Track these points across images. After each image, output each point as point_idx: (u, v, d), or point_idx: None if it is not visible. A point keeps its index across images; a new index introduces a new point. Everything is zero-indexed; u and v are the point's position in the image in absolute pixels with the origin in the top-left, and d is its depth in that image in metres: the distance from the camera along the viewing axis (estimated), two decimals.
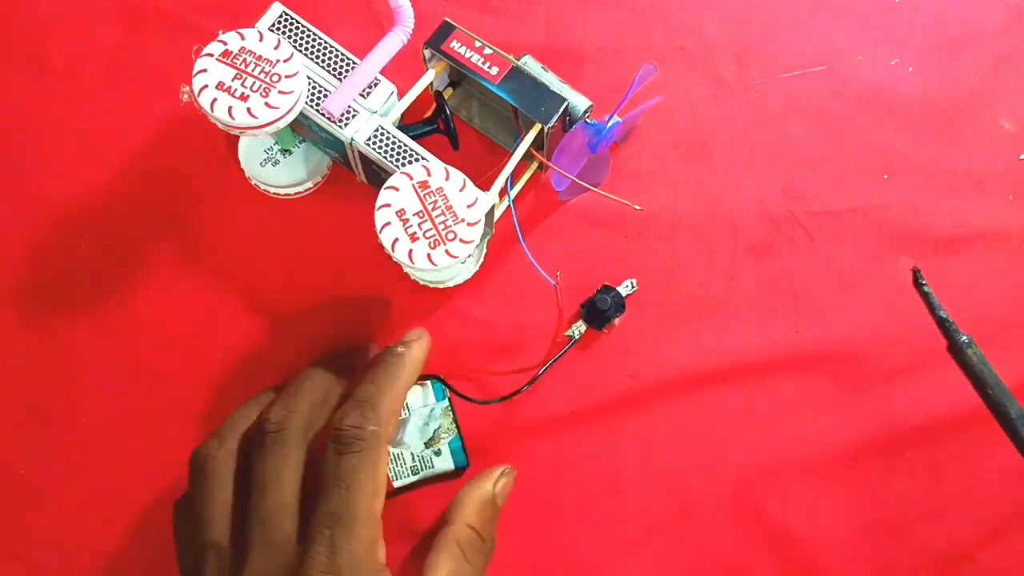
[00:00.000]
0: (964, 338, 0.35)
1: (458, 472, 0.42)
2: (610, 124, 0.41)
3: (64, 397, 0.44)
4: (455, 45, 0.40)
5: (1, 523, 0.43)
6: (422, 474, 0.41)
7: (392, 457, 0.40)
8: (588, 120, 0.42)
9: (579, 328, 0.43)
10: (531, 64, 0.42)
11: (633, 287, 0.42)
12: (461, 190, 0.38)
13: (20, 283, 0.45)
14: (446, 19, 0.41)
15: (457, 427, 0.41)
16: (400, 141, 0.40)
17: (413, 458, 0.41)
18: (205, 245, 0.45)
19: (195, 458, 0.36)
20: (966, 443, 0.44)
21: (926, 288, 0.36)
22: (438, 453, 0.41)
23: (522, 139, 0.41)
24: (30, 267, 0.45)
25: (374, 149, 0.40)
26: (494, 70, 0.40)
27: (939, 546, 0.43)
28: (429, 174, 0.38)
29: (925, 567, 0.43)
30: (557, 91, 0.40)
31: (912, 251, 0.45)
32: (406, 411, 0.41)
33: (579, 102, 0.41)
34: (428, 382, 0.41)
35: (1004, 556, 0.43)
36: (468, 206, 0.37)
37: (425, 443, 0.41)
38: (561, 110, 0.40)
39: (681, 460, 0.44)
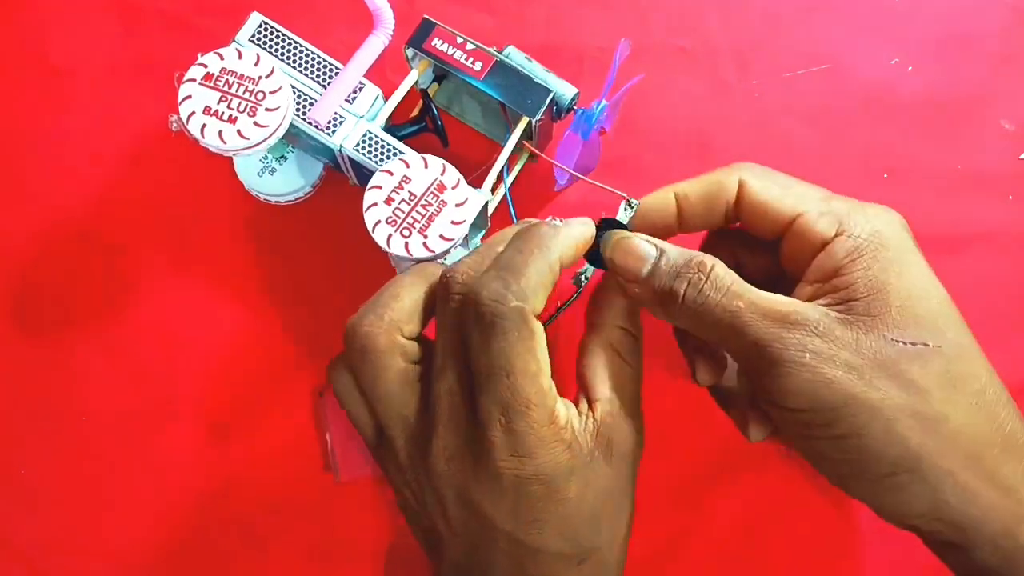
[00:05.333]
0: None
1: None
2: (599, 109, 0.41)
3: (64, 397, 0.44)
4: (437, 43, 0.40)
5: (1, 523, 0.44)
6: None
7: None
8: (577, 108, 0.42)
9: (586, 272, 0.38)
10: (514, 55, 0.41)
11: (630, 207, 0.37)
12: (454, 187, 0.38)
13: (20, 283, 0.45)
14: (425, 16, 0.40)
15: None
16: (390, 145, 0.40)
17: None
18: (204, 245, 0.45)
19: (354, 334, 0.33)
20: None
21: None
22: None
23: (511, 132, 0.41)
24: (30, 267, 0.45)
25: (363, 155, 0.40)
26: (477, 65, 0.40)
27: None
28: (426, 165, 0.38)
29: (927, 567, 0.43)
30: (541, 81, 0.40)
31: None
32: None
33: (565, 90, 0.41)
34: None
35: None
36: (457, 205, 0.37)
37: None
38: (547, 102, 0.40)
39: (682, 459, 0.44)
